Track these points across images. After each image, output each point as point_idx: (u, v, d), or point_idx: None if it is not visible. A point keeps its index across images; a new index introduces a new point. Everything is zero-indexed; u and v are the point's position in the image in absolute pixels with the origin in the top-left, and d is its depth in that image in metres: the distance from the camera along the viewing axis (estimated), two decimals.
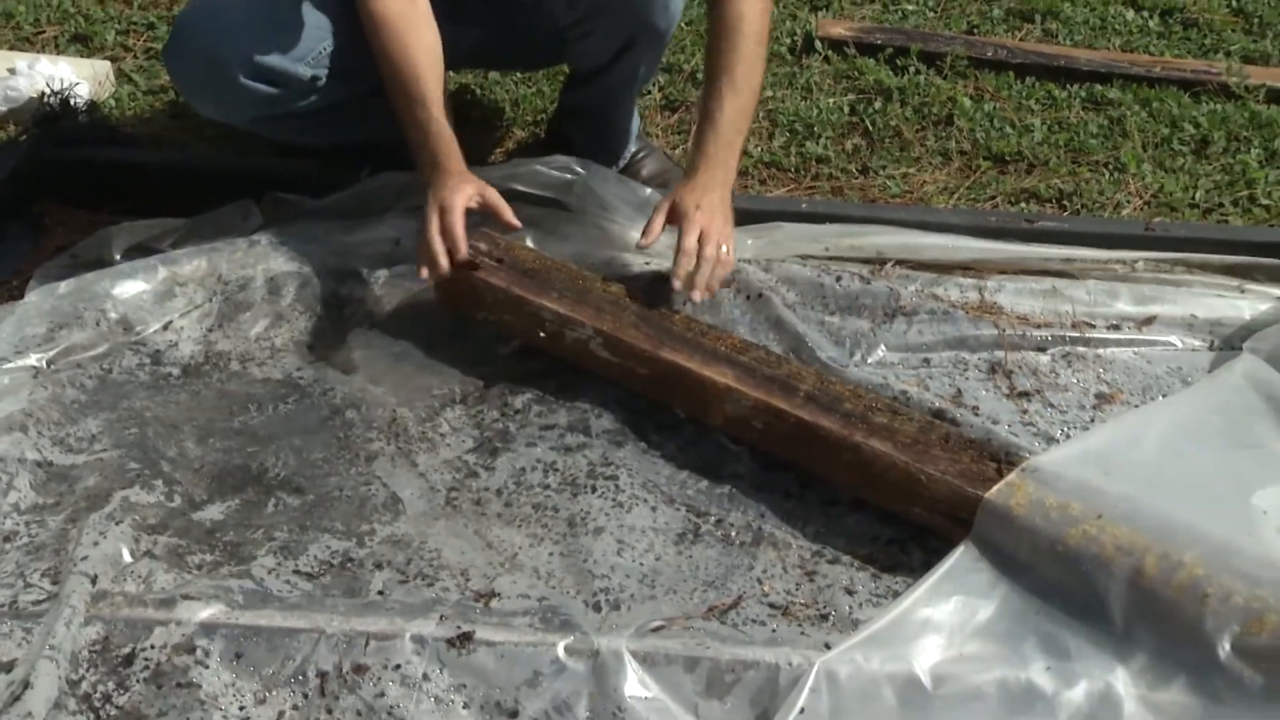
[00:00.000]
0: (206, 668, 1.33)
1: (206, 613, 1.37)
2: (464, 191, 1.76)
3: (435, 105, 1.82)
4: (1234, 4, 2.80)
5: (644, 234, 1.78)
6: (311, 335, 1.84)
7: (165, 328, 1.83)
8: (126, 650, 1.35)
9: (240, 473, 1.61)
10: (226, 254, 1.93)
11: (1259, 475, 1.51)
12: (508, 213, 1.77)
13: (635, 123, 2.25)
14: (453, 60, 2.33)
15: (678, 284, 1.73)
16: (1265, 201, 2.20)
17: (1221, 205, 2.21)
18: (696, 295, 1.73)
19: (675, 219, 1.77)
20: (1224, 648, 1.31)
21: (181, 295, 1.87)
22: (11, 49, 2.56)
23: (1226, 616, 1.32)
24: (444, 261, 1.72)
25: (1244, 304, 1.87)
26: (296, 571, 1.47)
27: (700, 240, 1.74)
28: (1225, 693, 1.31)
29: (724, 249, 1.76)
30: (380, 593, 1.45)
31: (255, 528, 1.53)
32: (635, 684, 1.33)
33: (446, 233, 1.73)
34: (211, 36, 1.86)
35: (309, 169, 2.09)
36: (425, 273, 1.74)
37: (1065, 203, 2.21)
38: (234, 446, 1.65)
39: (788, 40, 2.62)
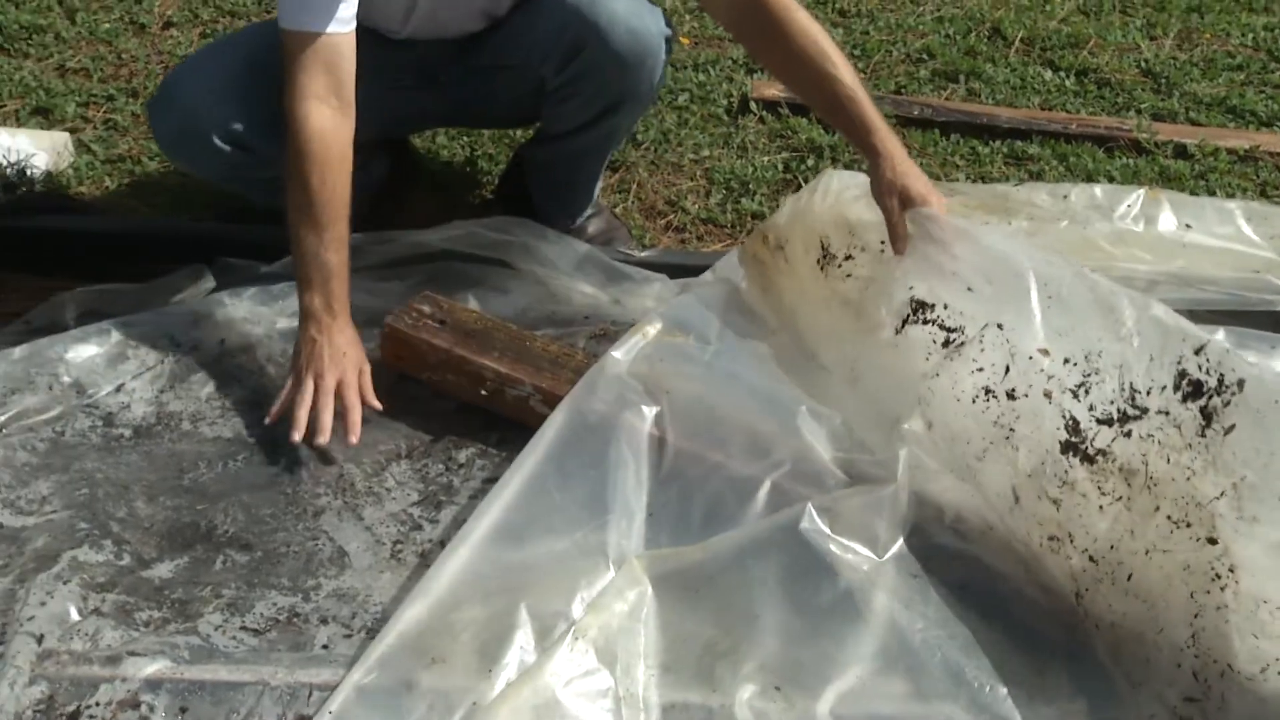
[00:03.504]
0: None
1: (152, 668, 1.41)
2: (339, 370, 1.76)
3: (343, 248, 1.78)
4: (1143, 65, 2.92)
5: (900, 242, 1.72)
6: (262, 394, 1.87)
7: (118, 390, 1.86)
8: (71, 708, 1.38)
9: (189, 530, 1.65)
10: (178, 317, 1.97)
11: None
12: (357, 412, 1.76)
13: (598, 186, 2.28)
14: (421, 123, 2.37)
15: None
16: None
17: None
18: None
19: (907, 199, 1.72)
20: None
21: (134, 358, 1.90)
22: None
23: None
24: (300, 436, 1.73)
25: None
26: (243, 627, 1.51)
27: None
28: None
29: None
30: (325, 646, 1.49)
31: (203, 584, 1.57)
32: None
33: (316, 411, 1.74)
34: (191, 98, 1.91)
35: (260, 234, 2.13)
36: (296, 435, 1.73)
37: None
38: (184, 504, 1.69)
39: (724, 101, 2.71)
